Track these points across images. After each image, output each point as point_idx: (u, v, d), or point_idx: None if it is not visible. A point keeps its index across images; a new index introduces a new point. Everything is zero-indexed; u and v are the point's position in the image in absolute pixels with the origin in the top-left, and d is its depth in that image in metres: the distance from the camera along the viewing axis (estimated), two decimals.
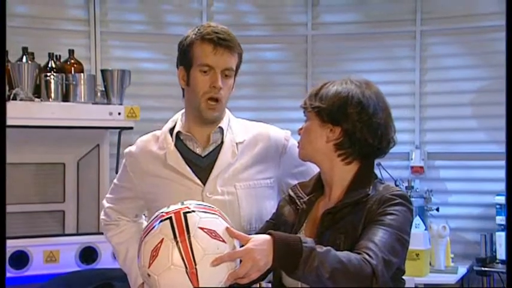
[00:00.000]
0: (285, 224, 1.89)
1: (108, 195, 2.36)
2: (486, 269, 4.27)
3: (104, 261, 3.63)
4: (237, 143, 2.12)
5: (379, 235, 1.68)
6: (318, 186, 1.90)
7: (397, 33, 4.86)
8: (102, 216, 2.37)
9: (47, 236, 3.71)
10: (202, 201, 2.00)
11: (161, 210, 1.68)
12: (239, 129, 2.16)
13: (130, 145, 2.28)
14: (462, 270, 4.27)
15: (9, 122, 3.40)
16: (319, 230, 1.79)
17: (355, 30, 4.94)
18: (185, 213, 1.64)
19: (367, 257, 1.63)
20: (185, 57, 2.06)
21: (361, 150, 1.81)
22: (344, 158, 1.82)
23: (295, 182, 2.16)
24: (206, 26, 2.07)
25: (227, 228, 1.64)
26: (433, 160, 4.75)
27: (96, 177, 3.93)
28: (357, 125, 1.78)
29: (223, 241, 1.62)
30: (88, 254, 3.65)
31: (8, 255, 3.44)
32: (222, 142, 2.11)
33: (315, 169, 2.23)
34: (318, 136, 1.82)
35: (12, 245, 3.47)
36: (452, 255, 4.33)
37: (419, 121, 4.78)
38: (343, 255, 1.63)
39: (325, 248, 1.63)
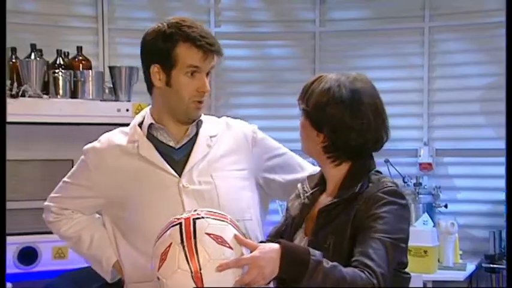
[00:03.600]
0: (291, 219, 1.89)
1: (54, 195, 2.24)
2: (495, 265, 4.26)
3: None
4: (210, 136, 2.10)
5: (374, 247, 1.65)
6: (323, 180, 1.89)
7: (406, 30, 4.85)
8: (49, 217, 2.24)
9: None
10: (179, 193, 2.01)
11: (175, 217, 1.71)
12: (210, 123, 2.14)
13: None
14: (471, 267, 4.26)
15: (17, 119, 3.44)
16: (314, 228, 1.79)
17: (363, 27, 4.93)
18: (195, 219, 1.66)
19: (369, 276, 1.61)
20: (163, 57, 1.98)
21: (347, 153, 1.80)
22: (333, 160, 1.81)
23: (275, 176, 2.17)
24: (186, 27, 1.98)
25: (235, 236, 1.66)
26: (441, 157, 4.74)
27: None
28: (337, 130, 1.76)
29: (230, 247, 1.63)
30: None
31: (17, 251, 3.46)
32: (195, 135, 2.09)
33: (295, 158, 2.21)
34: (309, 137, 1.83)
35: (21, 241, 3.49)
36: (460, 252, 4.32)
37: (427, 118, 4.77)
38: (349, 272, 1.62)
39: (331, 264, 1.63)
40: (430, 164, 4.64)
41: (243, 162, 2.12)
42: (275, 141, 2.23)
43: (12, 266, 3.44)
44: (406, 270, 1.82)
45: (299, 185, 1.96)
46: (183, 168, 2.05)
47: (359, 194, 1.74)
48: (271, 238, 1.94)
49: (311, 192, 1.89)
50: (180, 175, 2.04)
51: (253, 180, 2.15)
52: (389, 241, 1.67)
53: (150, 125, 2.07)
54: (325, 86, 1.79)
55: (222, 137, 2.12)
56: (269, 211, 2.31)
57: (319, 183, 1.89)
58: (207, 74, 2.02)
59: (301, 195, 1.90)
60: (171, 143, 2.07)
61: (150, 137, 2.08)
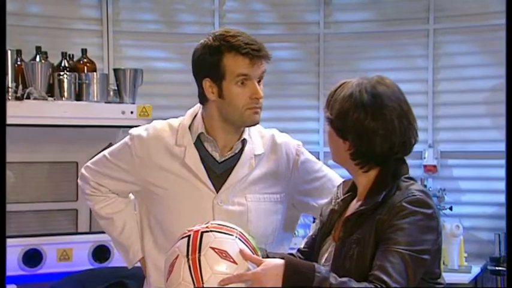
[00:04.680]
0: (321, 225, 1.89)
1: (92, 167, 2.22)
2: (500, 268, 4.25)
3: (117, 260, 3.63)
4: (255, 155, 2.10)
5: (392, 261, 1.62)
6: (354, 186, 1.86)
7: (410, 32, 4.84)
8: (86, 189, 2.23)
9: (60, 234, 3.72)
10: (212, 209, 2.03)
11: (188, 228, 1.73)
12: (258, 140, 2.13)
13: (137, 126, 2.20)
14: (476, 269, 4.25)
15: (22, 121, 3.44)
16: (341, 236, 1.78)
17: (368, 29, 4.93)
18: (202, 233, 1.69)
19: None
20: (213, 70, 1.99)
21: (374, 159, 1.77)
22: (361, 166, 1.78)
23: (309, 199, 2.18)
24: (231, 37, 1.99)
25: (241, 250, 1.66)
26: (446, 159, 4.73)
27: None
28: (361, 136, 1.74)
29: (234, 262, 1.64)
30: (101, 253, 3.65)
31: (21, 253, 3.46)
32: (240, 151, 2.09)
33: (333, 180, 2.19)
34: (336, 145, 1.81)
35: (25, 243, 3.49)
36: (465, 255, 4.31)
37: (432, 120, 4.76)
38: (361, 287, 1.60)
39: (340, 280, 1.61)
40: (434, 166, 4.63)
41: (280, 185, 2.12)
42: (317, 161, 2.22)
43: (16, 268, 3.45)
44: (440, 280, 1.77)
45: (334, 190, 1.95)
46: (222, 184, 2.06)
47: (383, 202, 1.71)
48: (307, 246, 1.94)
49: (342, 198, 1.87)
50: (217, 191, 2.05)
51: (287, 202, 2.15)
52: (409, 254, 1.63)
53: (200, 133, 2.08)
54: (347, 92, 1.77)
55: (265, 157, 2.11)
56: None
57: (351, 189, 1.87)
58: (259, 80, 2.02)
59: (333, 201, 1.89)
60: (216, 155, 2.08)
61: (198, 143, 2.08)
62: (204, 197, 2.05)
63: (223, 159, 2.08)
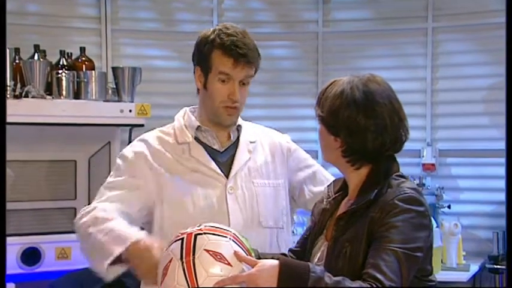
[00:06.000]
0: (313, 224, 1.90)
1: (101, 198, 2.09)
2: (498, 266, 4.25)
3: None
4: (250, 142, 2.17)
5: (386, 259, 1.62)
6: (346, 184, 1.87)
7: (409, 30, 4.84)
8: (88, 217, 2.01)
9: (59, 232, 3.73)
10: (225, 195, 2.06)
11: (180, 231, 1.72)
12: (249, 129, 2.21)
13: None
14: (474, 268, 4.25)
15: (21, 120, 3.45)
16: (334, 235, 1.78)
17: (366, 28, 4.93)
18: (196, 235, 1.67)
19: None
20: (203, 60, 2.07)
21: (366, 156, 1.77)
22: (352, 164, 1.79)
23: (304, 187, 2.23)
24: (226, 34, 2.03)
25: (235, 252, 1.65)
26: (444, 157, 4.73)
27: (107, 174, 3.90)
28: (353, 133, 1.74)
29: (229, 264, 1.63)
30: None
31: (20, 251, 3.47)
32: (237, 139, 2.16)
33: (322, 171, 2.25)
34: (327, 143, 1.81)
35: (24, 242, 3.50)
36: (464, 253, 4.31)
37: (430, 118, 4.76)
38: (355, 286, 1.60)
39: (334, 279, 1.61)
40: (433, 165, 4.63)
41: (279, 172, 2.19)
42: (304, 151, 2.30)
43: (15, 267, 3.45)
44: (431, 277, 1.79)
45: (324, 189, 1.95)
46: (228, 171, 2.11)
47: (375, 200, 1.71)
48: (298, 245, 1.95)
49: (333, 197, 1.87)
50: (227, 177, 2.10)
51: (287, 190, 2.20)
52: (402, 252, 1.64)
53: (198, 127, 2.13)
54: (338, 89, 1.78)
55: (260, 144, 2.19)
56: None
57: (342, 187, 1.88)
58: (243, 83, 2.07)
59: (324, 200, 1.90)
60: (216, 146, 2.13)
61: (197, 139, 2.13)
62: (215, 184, 2.08)
63: (223, 148, 2.14)
